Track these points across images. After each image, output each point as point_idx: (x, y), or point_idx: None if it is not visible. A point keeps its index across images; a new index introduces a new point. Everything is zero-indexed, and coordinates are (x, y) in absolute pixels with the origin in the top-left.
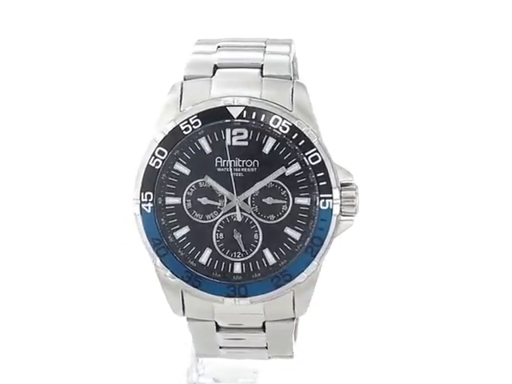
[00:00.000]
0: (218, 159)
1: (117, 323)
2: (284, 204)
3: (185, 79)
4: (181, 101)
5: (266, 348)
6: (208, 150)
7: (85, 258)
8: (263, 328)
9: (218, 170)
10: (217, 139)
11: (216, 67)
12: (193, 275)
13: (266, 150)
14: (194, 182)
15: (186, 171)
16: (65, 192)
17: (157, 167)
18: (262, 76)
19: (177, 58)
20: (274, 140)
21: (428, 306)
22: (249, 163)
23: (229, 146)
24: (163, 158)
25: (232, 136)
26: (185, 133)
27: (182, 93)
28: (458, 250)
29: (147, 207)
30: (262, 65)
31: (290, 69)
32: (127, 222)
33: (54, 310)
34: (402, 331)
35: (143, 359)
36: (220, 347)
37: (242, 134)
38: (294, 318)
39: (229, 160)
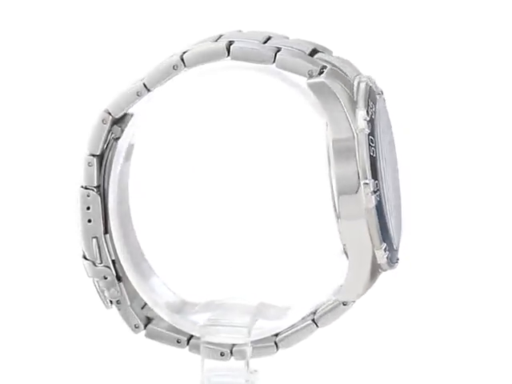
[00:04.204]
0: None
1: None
2: None
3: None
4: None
5: None
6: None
7: None
8: None
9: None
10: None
11: None
12: (392, 253)
13: None
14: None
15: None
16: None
17: (374, 155)
18: None
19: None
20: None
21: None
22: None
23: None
24: (374, 145)
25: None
26: (373, 117)
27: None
28: None
29: (378, 195)
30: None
31: None
32: None
33: (54, 309)
34: (403, 331)
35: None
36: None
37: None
38: None
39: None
